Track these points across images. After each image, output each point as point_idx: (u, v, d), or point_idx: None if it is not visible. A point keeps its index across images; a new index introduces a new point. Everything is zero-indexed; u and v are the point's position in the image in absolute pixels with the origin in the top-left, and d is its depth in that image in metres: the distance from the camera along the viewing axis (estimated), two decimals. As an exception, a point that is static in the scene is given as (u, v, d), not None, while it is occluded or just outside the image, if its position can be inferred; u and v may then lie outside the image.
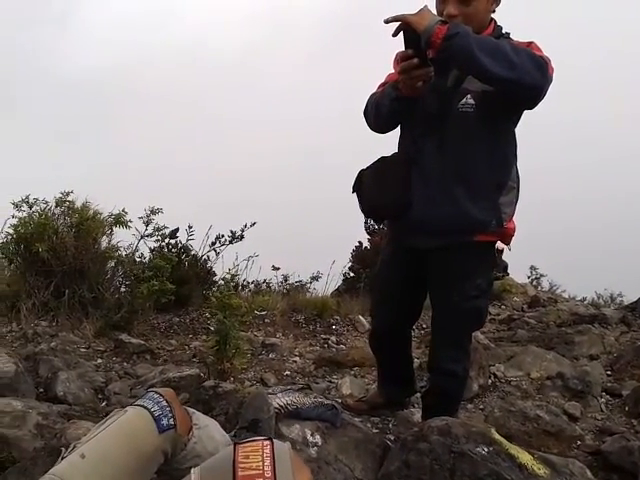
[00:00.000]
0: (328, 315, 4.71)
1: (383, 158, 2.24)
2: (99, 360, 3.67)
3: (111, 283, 4.30)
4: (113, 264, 4.38)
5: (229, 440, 1.68)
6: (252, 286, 5.32)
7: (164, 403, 1.52)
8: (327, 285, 5.40)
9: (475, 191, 2.05)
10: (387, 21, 1.87)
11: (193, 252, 4.97)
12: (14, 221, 3.99)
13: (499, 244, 2.22)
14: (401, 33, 1.88)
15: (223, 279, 4.60)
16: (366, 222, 6.35)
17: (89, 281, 4.09)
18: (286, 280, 5.53)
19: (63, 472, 1.32)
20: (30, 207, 4.05)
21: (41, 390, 3.02)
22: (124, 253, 4.43)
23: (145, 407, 1.48)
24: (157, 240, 4.62)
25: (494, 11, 2.06)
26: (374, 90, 2.23)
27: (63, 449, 1.42)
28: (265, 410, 2.01)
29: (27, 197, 4.08)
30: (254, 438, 1.13)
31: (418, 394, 2.71)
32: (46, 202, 4.13)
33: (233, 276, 3.39)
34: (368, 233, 6.33)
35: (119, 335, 3.93)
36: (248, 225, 4.87)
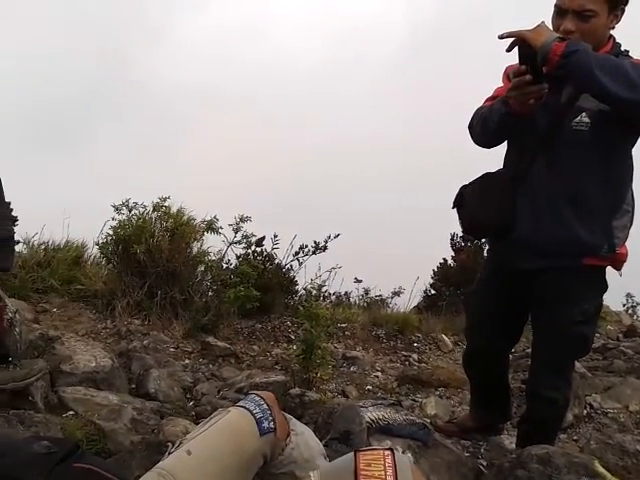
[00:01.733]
0: (409, 332, 4.64)
1: (487, 174, 2.19)
2: (186, 360, 3.79)
3: (200, 287, 4.44)
4: (203, 268, 4.52)
5: (323, 449, 1.68)
6: (333, 297, 5.34)
7: (265, 406, 1.53)
8: (410, 301, 5.34)
9: (586, 213, 1.96)
10: (502, 37, 1.84)
11: (277, 261, 5.06)
12: (114, 223, 4.20)
13: None
14: (515, 48, 1.84)
15: (305, 289, 4.68)
16: (452, 239, 6.24)
17: (180, 284, 4.24)
18: (367, 293, 5.52)
19: (170, 467, 1.35)
20: (129, 210, 4.25)
21: (133, 386, 3.15)
22: (213, 258, 4.56)
23: (247, 409, 1.50)
24: (244, 247, 4.74)
25: (613, 28, 1.98)
26: (481, 104, 2.19)
27: (170, 444, 1.46)
28: (357, 422, 2.00)
29: (127, 201, 4.28)
30: (374, 447, 1.12)
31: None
32: (144, 206, 4.31)
33: (320, 286, 3.41)
34: (454, 250, 6.20)
35: (206, 337, 4.05)
36: (332, 236, 4.89)
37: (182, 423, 2.12)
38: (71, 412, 2.49)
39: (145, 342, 3.65)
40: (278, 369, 3.72)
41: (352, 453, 1.09)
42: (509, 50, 1.85)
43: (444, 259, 6.13)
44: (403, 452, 1.99)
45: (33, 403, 2.45)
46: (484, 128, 2.09)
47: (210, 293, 4.55)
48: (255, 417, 1.48)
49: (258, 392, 1.61)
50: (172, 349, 3.90)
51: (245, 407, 1.51)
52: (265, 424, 1.49)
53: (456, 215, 2.23)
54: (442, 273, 5.91)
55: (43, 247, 4.45)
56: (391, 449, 1.10)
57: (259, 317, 4.71)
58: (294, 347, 3.89)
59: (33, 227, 4.44)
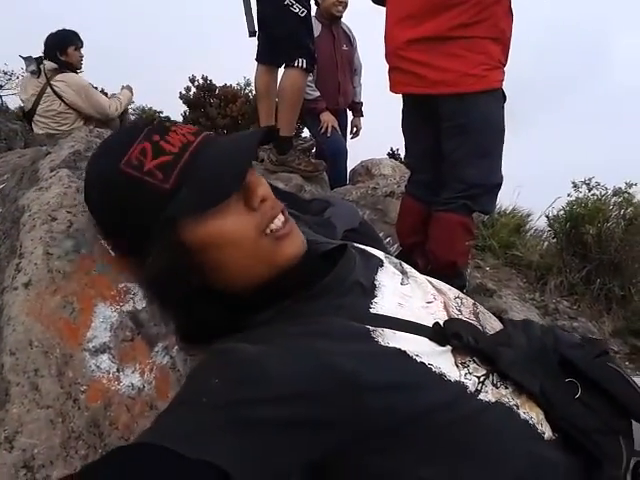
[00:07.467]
0: None
1: None
2: (611, 360, 3.53)
3: (645, 288, 4.00)
4: (651, 269, 4.06)
5: None
6: None
7: None
8: None
9: None
10: None
11: None
12: (571, 199, 4.12)
13: None
14: None
15: None
16: None
17: (623, 278, 3.91)
18: None
19: None
20: (589, 189, 4.10)
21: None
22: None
23: None
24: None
25: None
26: None
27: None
28: None
29: (589, 179, 4.14)
30: None
31: None
32: (605, 188, 4.10)
33: None
34: None
35: (637, 342, 3.67)
36: None
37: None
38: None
39: (575, 324, 3.53)
40: None
41: None
42: None
43: None
44: None
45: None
46: None
47: (651, 299, 4.06)
48: None
49: None
50: (597, 342, 3.68)
51: None
52: None
53: None
54: None
55: (490, 209, 4.71)
56: None
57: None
58: None
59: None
